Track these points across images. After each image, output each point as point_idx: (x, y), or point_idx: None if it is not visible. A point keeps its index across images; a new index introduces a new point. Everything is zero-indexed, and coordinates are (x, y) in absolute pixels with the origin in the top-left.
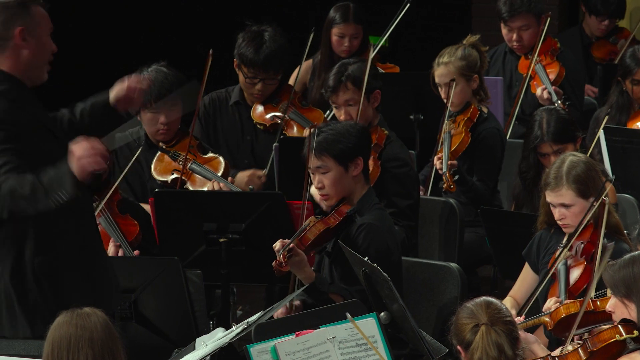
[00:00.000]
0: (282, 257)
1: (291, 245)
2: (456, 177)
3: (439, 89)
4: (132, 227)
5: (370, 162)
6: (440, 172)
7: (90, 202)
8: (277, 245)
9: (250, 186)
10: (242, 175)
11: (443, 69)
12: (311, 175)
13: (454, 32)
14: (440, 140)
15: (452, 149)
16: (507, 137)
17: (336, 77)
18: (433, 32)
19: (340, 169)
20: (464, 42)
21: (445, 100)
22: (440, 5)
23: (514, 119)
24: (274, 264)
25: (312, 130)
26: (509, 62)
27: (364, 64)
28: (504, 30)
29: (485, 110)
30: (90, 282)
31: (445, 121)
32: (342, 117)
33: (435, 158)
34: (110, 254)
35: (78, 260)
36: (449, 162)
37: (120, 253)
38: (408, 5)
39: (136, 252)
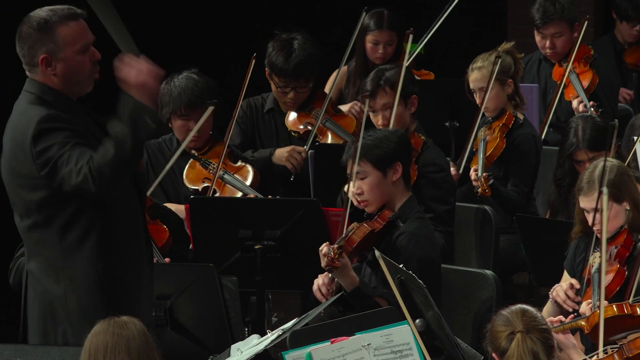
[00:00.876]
0: (333, 253)
1: (341, 243)
2: (491, 181)
3: (474, 94)
4: (162, 234)
5: None
6: (475, 181)
7: (144, 208)
8: (324, 248)
9: (290, 162)
10: (282, 151)
11: (477, 73)
12: (351, 182)
13: (490, 39)
14: (470, 144)
15: (488, 154)
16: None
17: (374, 81)
18: (468, 39)
19: (378, 174)
20: (499, 48)
21: (480, 106)
22: (476, 12)
23: (547, 126)
24: (324, 262)
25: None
26: (543, 69)
27: (401, 69)
28: (537, 37)
29: (520, 116)
30: (142, 289)
31: (481, 128)
32: (379, 122)
33: (472, 170)
34: None
35: (136, 267)
36: (485, 165)
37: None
38: (447, 12)
39: (167, 260)
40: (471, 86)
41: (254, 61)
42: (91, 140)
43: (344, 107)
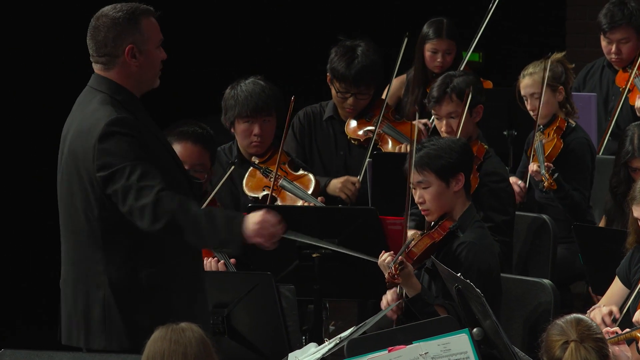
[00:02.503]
0: (393, 269)
1: (400, 258)
2: (555, 174)
3: (525, 101)
4: None
5: None
6: (537, 178)
7: None
8: (387, 258)
9: (344, 192)
10: (336, 182)
11: (528, 79)
12: (412, 190)
13: (548, 47)
14: (532, 152)
15: (546, 154)
16: (601, 153)
17: (441, 88)
18: (527, 48)
19: (441, 184)
20: (550, 57)
21: (531, 113)
22: (535, 21)
23: (609, 133)
24: (387, 277)
25: (414, 146)
26: (606, 75)
27: (469, 77)
28: (603, 43)
29: (572, 122)
30: (193, 298)
31: (535, 134)
32: (443, 129)
33: (532, 164)
34: (211, 269)
35: (185, 275)
36: (545, 164)
37: (221, 266)
38: (491, 13)
39: (232, 260)
40: (522, 92)
41: (292, 104)
42: (157, 146)
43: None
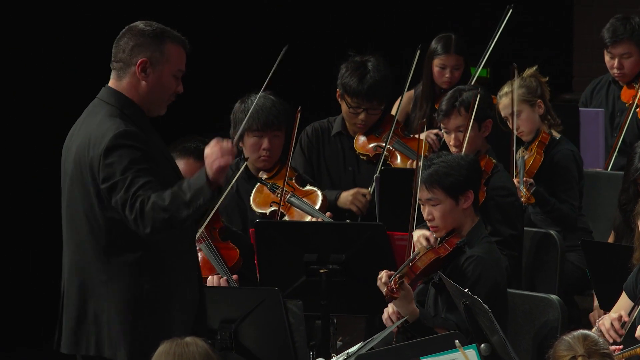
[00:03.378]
0: (393, 283)
1: (402, 272)
2: (533, 189)
3: (507, 122)
4: (233, 252)
5: None
6: (517, 190)
7: (195, 232)
8: (383, 276)
9: (355, 205)
10: (346, 195)
11: (505, 99)
12: (421, 207)
13: (556, 63)
14: (514, 169)
15: (526, 169)
16: (609, 169)
17: (450, 101)
18: (534, 64)
19: (450, 201)
20: (523, 74)
21: (515, 132)
22: (542, 36)
23: (617, 149)
24: (385, 290)
25: (419, 163)
26: (612, 91)
27: (478, 91)
28: (607, 57)
29: (556, 134)
30: (194, 311)
31: (517, 150)
32: (451, 143)
33: (515, 181)
34: (213, 284)
35: (185, 289)
36: (525, 178)
37: (223, 282)
38: (500, 31)
39: (235, 277)
40: (503, 114)
41: (299, 115)
42: (161, 161)
43: (421, 135)
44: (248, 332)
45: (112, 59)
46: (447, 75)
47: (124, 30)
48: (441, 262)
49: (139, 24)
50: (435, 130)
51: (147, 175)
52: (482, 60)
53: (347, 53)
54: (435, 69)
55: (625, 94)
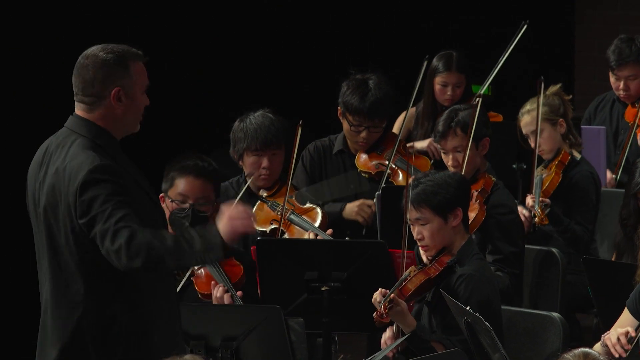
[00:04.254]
0: (382, 308)
1: (391, 296)
2: (548, 209)
3: (528, 139)
4: (237, 269)
5: (476, 207)
6: (532, 209)
7: None
8: (377, 297)
9: (361, 216)
10: (351, 206)
11: (527, 117)
12: (410, 226)
13: (557, 81)
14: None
15: (544, 188)
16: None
17: (446, 122)
18: (535, 81)
19: (439, 220)
20: (547, 92)
21: (537, 150)
22: (543, 54)
23: (621, 167)
24: (374, 315)
25: (409, 181)
26: (616, 109)
27: (474, 110)
28: (612, 79)
29: (577, 155)
30: (172, 340)
31: (537, 168)
32: (449, 163)
33: (528, 197)
34: (217, 297)
35: (164, 318)
36: (541, 198)
37: (226, 297)
38: (508, 52)
39: (239, 293)
40: (523, 131)
41: (300, 129)
42: (136, 191)
43: (423, 143)
44: (250, 349)
45: (80, 93)
46: (448, 93)
47: (82, 61)
48: (432, 282)
49: (98, 53)
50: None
51: (125, 208)
52: (488, 81)
53: (347, 70)
54: (437, 87)
55: (629, 113)
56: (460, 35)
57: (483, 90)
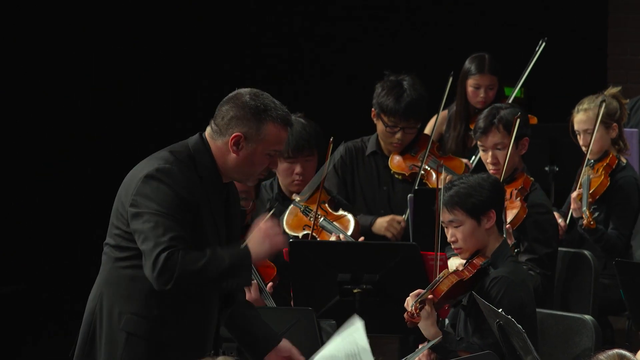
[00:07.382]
0: (414, 308)
1: (423, 297)
2: (596, 214)
3: (578, 136)
4: (270, 270)
5: (518, 204)
6: (576, 214)
7: None
8: (410, 300)
9: (390, 231)
10: (381, 221)
11: (583, 115)
12: (445, 229)
13: (590, 83)
14: (578, 184)
15: (591, 190)
16: None
17: (487, 119)
18: (568, 84)
19: (473, 222)
20: (605, 92)
21: (583, 149)
22: (576, 57)
23: None
24: (405, 315)
25: (440, 182)
26: None
27: (516, 109)
28: None
29: (623, 160)
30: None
31: (585, 167)
32: (488, 160)
33: (575, 193)
34: (252, 298)
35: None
36: (589, 200)
37: (254, 293)
38: (539, 53)
39: (269, 285)
40: (576, 127)
41: (331, 145)
42: (199, 211)
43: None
44: None
45: (215, 117)
46: (481, 95)
47: (230, 95)
48: (466, 285)
49: (246, 95)
50: (464, 160)
51: (170, 217)
52: (520, 82)
53: (382, 72)
54: (469, 89)
55: None
56: (490, 37)
57: (515, 92)
